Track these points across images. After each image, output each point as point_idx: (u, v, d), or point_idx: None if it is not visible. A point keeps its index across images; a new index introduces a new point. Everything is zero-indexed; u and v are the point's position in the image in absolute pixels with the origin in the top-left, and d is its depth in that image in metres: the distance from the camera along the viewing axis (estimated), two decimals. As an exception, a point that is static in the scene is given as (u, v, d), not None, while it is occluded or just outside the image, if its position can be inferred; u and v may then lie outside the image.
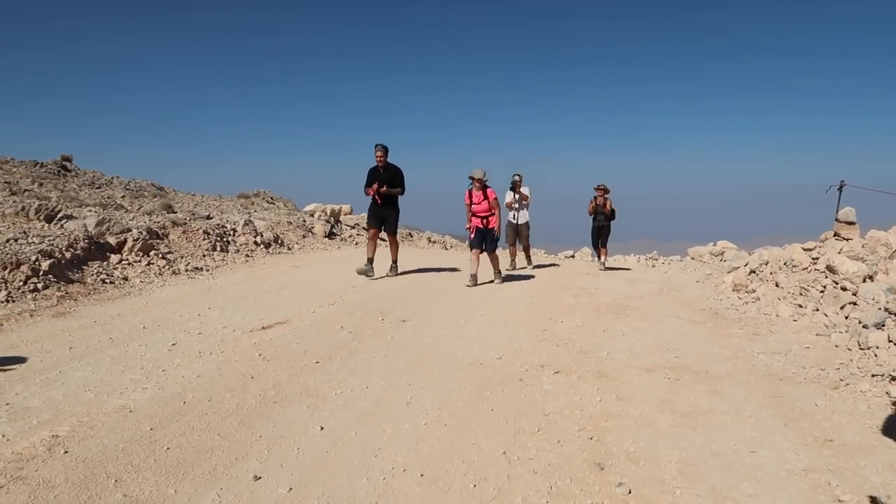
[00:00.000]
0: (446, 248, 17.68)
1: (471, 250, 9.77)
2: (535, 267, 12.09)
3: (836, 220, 8.65)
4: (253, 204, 19.56)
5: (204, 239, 11.28)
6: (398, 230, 10.26)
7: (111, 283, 8.12)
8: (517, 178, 11.68)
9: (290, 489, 3.05)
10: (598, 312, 7.40)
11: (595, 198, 11.86)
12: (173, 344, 5.53)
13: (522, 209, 11.75)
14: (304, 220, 16.28)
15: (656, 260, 14.10)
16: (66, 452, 3.34)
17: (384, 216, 9.75)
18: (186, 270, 9.48)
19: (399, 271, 10.17)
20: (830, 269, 7.09)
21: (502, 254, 10.84)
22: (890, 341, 5.08)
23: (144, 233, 9.87)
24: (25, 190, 12.23)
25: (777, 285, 7.76)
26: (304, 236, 14.80)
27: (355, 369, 4.95)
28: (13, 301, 6.67)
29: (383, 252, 11.13)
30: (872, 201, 10.09)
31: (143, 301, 7.39)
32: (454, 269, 11.00)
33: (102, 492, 2.96)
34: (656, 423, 3.96)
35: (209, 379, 4.60)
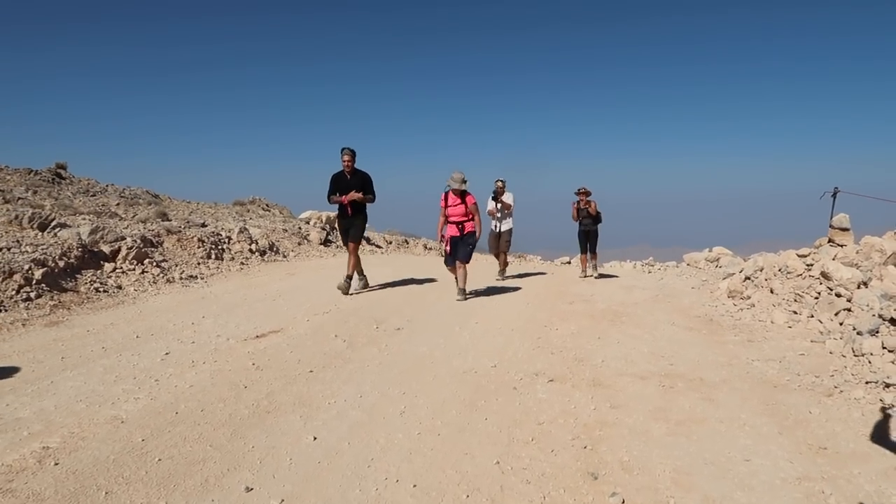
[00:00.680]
0: (442, 255, 17.67)
1: (447, 266, 9.08)
2: (506, 277, 11.48)
3: (831, 226, 8.66)
4: (248, 211, 19.54)
5: (199, 247, 11.26)
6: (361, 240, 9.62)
7: (105, 291, 8.09)
8: (500, 183, 11.14)
9: (282, 501, 3.03)
10: (594, 319, 7.39)
11: (577, 202, 11.36)
12: (166, 353, 5.50)
13: (505, 218, 11.26)
14: (300, 228, 16.28)
15: (652, 266, 14.10)
16: (56, 464, 3.31)
17: (349, 225, 9.07)
18: (181, 279, 9.46)
19: (360, 286, 9.39)
20: (825, 275, 7.10)
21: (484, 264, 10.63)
22: (884, 348, 5.08)
23: (139, 241, 9.85)
24: (19, 198, 12.20)
25: (772, 292, 7.77)
26: (299, 244, 14.79)
27: (349, 378, 4.93)
28: (5, 310, 6.64)
29: (371, 261, 11.12)
30: (867, 207, 10.11)
31: (137, 310, 7.37)
32: (449, 279, 11.00)
33: (92, 504, 2.94)
34: (650, 431, 3.95)
35: (202, 389, 4.58)
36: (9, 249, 8.00)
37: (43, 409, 4.11)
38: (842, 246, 8.28)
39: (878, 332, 5.36)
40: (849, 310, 6.41)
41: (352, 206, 8.83)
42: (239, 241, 12.56)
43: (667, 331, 6.79)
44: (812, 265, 7.68)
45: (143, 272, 9.20)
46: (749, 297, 8.04)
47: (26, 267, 7.43)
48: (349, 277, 8.99)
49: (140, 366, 5.13)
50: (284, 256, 13.28)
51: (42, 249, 8.23)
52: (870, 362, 5.03)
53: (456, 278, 8.95)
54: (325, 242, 15.83)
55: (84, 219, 11.18)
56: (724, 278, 9.73)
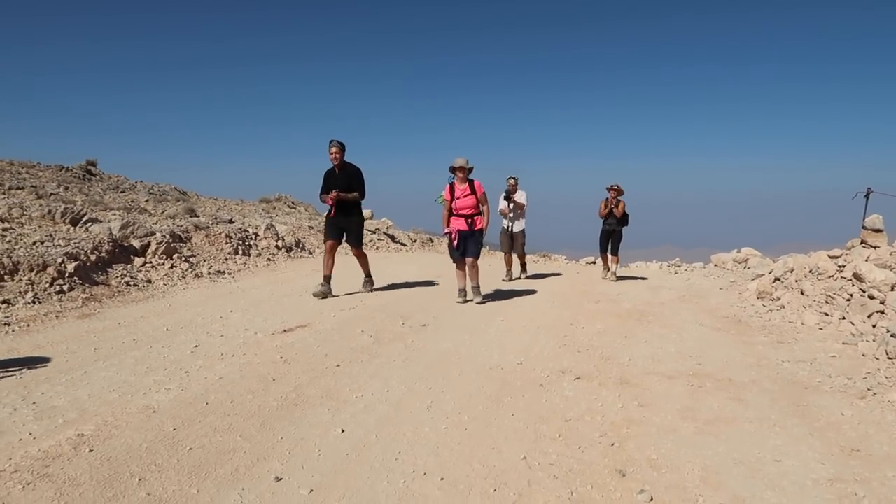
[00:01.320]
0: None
1: (454, 262, 8.35)
2: (528, 277, 11.11)
3: (863, 227, 8.51)
4: (274, 208, 19.73)
5: (226, 243, 11.39)
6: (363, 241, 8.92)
7: (135, 285, 8.23)
8: (512, 181, 10.59)
9: (311, 491, 3.06)
10: (620, 318, 7.35)
11: (607, 199, 10.82)
12: (196, 346, 5.58)
13: (518, 218, 10.75)
14: (325, 225, 16.39)
15: (679, 267, 13.96)
16: (91, 451, 3.38)
17: (344, 226, 8.41)
18: (209, 273, 9.58)
19: (374, 286, 8.95)
20: (857, 276, 6.98)
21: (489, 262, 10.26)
22: (919, 350, 4.99)
23: (168, 236, 9.99)
24: (51, 193, 12.43)
25: (802, 293, 7.65)
26: (325, 240, 14.89)
27: (376, 373, 4.96)
28: (39, 302, 6.78)
29: (396, 258, 11.13)
30: (900, 209, 9.90)
31: (167, 303, 7.48)
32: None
33: (126, 490, 2.99)
34: (679, 430, 3.91)
35: (231, 381, 4.64)
36: (42, 243, 8.16)
37: (77, 397, 4.20)
38: (875, 247, 8.13)
39: (912, 334, 5.26)
40: (882, 312, 6.29)
41: (340, 205, 8.22)
42: (266, 238, 12.68)
43: (694, 331, 6.73)
44: (844, 266, 7.55)
45: (172, 267, 9.34)
46: (779, 299, 7.93)
47: (59, 260, 7.57)
48: (327, 279, 8.34)
49: (170, 358, 5.21)
50: (310, 253, 13.38)
51: (74, 244, 8.39)
52: (904, 365, 4.94)
53: (466, 276, 8.26)
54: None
55: (114, 214, 11.37)
56: (752, 279, 9.61)
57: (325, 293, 8.17)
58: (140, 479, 3.10)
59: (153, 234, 9.86)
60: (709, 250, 15.17)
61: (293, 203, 21.84)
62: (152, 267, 9.14)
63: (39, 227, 9.31)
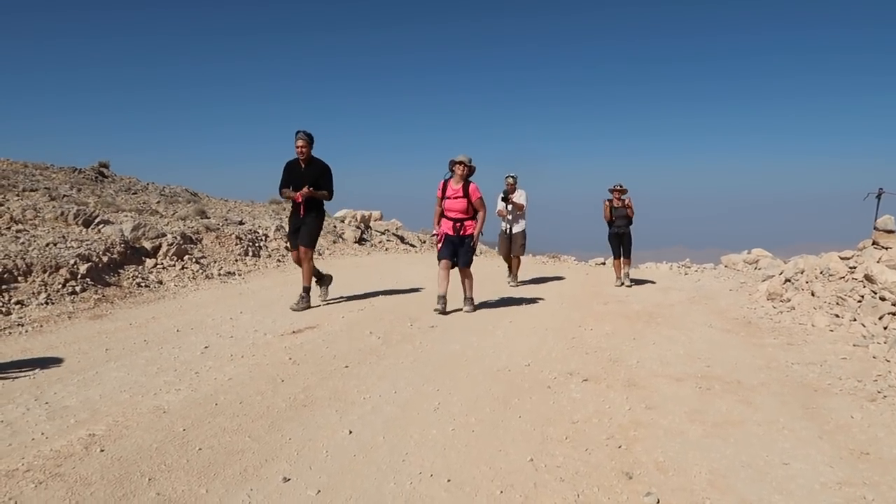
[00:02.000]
0: (475, 255, 17.68)
1: (439, 262, 7.56)
2: (520, 283, 10.36)
3: (875, 228, 8.45)
4: (284, 209, 19.80)
5: (236, 244, 11.46)
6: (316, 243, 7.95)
7: (146, 286, 8.29)
8: (510, 180, 9.99)
9: (319, 491, 3.08)
10: (629, 320, 7.34)
11: (610, 200, 10.32)
12: (206, 347, 5.62)
13: (518, 220, 10.19)
14: (335, 226, 16.44)
15: (688, 267, 13.91)
16: (102, 451, 3.42)
17: (301, 224, 7.55)
18: (219, 275, 9.64)
19: (329, 297, 8.06)
20: (868, 278, 6.93)
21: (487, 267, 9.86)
22: (930, 353, 4.96)
23: (179, 238, 10.07)
24: (64, 195, 12.53)
25: (813, 294, 7.61)
26: (334, 242, 14.95)
27: (384, 374, 4.97)
28: (52, 303, 6.85)
29: (405, 259, 11.15)
30: (912, 209, 9.80)
31: (177, 304, 7.54)
32: (482, 276, 10.98)
33: (137, 490, 3.02)
34: (686, 432, 3.91)
35: (240, 382, 4.67)
36: (55, 244, 8.24)
37: (88, 398, 4.24)
38: (886, 248, 8.06)
39: (923, 336, 5.22)
40: (894, 314, 6.25)
41: (305, 203, 7.39)
42: (275, 239, 12.75)
43: (703, 333, 6.71)
44: (855, 268, 7.51)
45: (182, 268, 9.41)
46: (789, 300, 7.89)
47: (72, 262, 7.65)
48: (306, 290, 7.56)
49: (181, 358, 5.25)
50: (320, 254, 13.43)
51: (87, 245, 8.47)
52: (915, 367, 4.91)
53: (447, 280, 7.51)
54: (360, 241, 15.97)
55: (126, 216, 11.46)
56: (763, 280, 9.56)
57: (306, 307, 7.47)
58: (150, 479, 3.13)
59: (164, 235, 9.93)
60: (719, 251, 15.12)
61: (303, 204, 21.89)
62: (163, 268, 9.22)
63: (52, 228, 9.40)
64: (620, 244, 10.43)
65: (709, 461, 3.50)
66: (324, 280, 8.06)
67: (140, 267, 8.89)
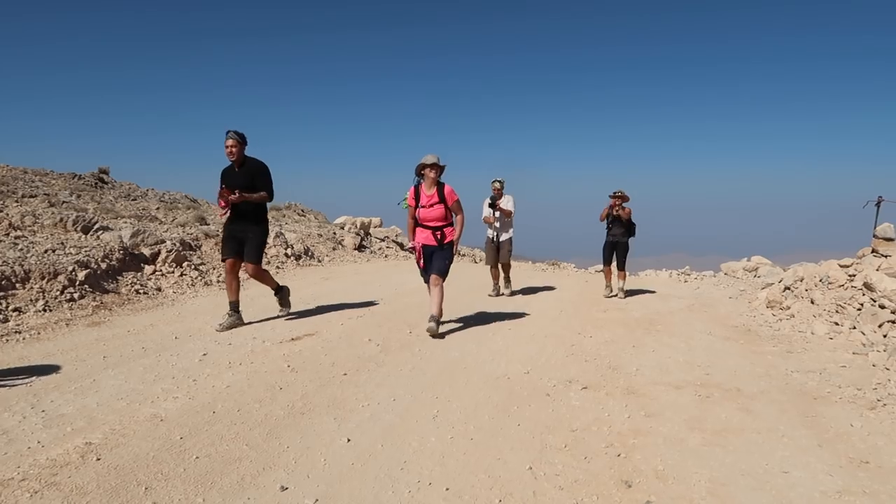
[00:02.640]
0: (475, 262, 17.67)
1: (426, 282, 6.83)
2: (512, 294, 9.96)
3: (874, 236, 8.45)
4: (284, 216, 19.80)
5: (235, 251, 11.43)
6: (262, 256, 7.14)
7: (145, 293, 8.28)
8: (497, 184, 9.46)
9: (317, 500, 3.07)
10: (628, 328, 7.33)
11: (610, 206, 9.77)
12: (204, 354, 5.60)
13: (506, 228, 9.70)
14: (335, 233, 16.44)
15: (688, 275, 13.91)
16: (98, 460, 3.40)
17: (242, 237, 6.78)
18: (218, 282, 9.62)
19: (291, 309, 7.50)
20: (868, 286, 6.93)
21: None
22: (930, 361, 4.94)
23: (178, 244, 10.06)
24: (64, 202, 12.55)
25: (812, 302, 7.61)
26: (334, 248, 14.94)
27: (383, 382, 4.96)
28: (50, 310, 6.83)
29: (405, 266, 11.10)
30: (911, 217, 9.80)
31: (176, 311, 7.52)
32: (483, 282, 10.96)
33: (133, 499, 3.00)
34: (686, 440, 3.90)
35: (238, 389, 4.66)
36: (54, 251, 8.23)
37: (85, 406, 4.22)
38: (886, 256, 8.06)
39: (923, 344, 5.21)
40: (893, 322, 6.25)
41: (240, 210, 6.71)
42: (275, 246, 12.73)
43: (703, 340, 6.70)
44: (854, 276, 7.51)
45: (181, 275, 9.39)
46: (789, 308, 7.89)
47: (70, 268, 7.64)
48: (233, 306, 6.83)
49: (179, 366, 5.23)
50: (319, 261, 13.43)
51: (85, 252, 8.46)
52: (915, 375, 4.90)
53: (431, 300, 6.67)
54: (360, 248, 15.97)
55: (125, 222, 11.46)
56: (762, 288, 9.56)
57: (233, 324, 6.71)
58: (147, 488, 3.11)
59: (163, 242, 9.92)
60: (719, 258, 15.12)
61: (303, 211, 21.94)
62: (162, 275, 9.20)
63: (51, 235, 9.39)
64: (613, 252, 9.94)
65: (708, 469, 3.48)
66: (282, 293, 7.46)
67: (139, 274, 8.87)
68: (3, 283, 6.86)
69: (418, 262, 6.81)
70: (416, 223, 6.71)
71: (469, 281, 10.96)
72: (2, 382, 4.61)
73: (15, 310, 6.60)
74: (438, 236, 6.60)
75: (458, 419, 4.18)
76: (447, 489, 3.22)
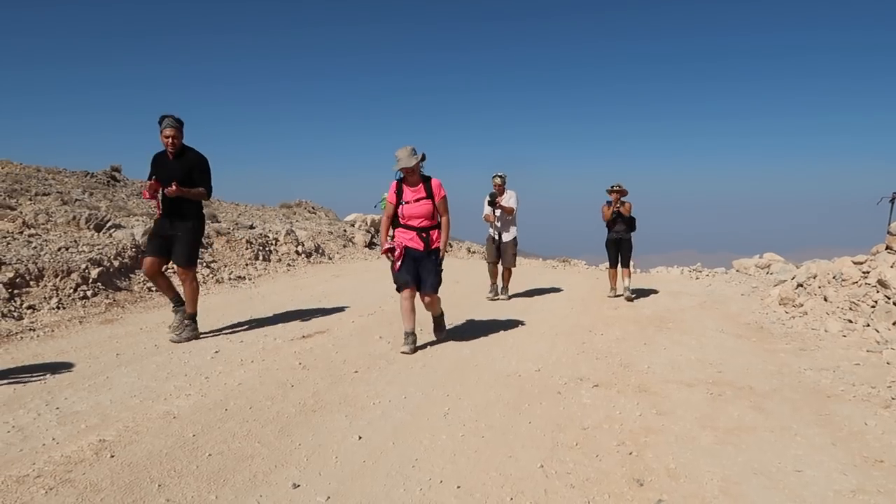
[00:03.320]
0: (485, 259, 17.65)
1: (399, 290, 5.92)
2: (511, 297, 9.25)
3: (889, 232, 8.37)
4: (295, 214, 19.86)
5: (247, 248, 11.50)
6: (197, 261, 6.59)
7: (157, 291, 8.31)
8: (498, 180, 8.78)
9: (328, 498, 3.07)
10: (639, 325, 7.30)
11: (609, 202, 9.31)
12: (216, 352, 5.64)
13: (508, 227, 9.05)
14: (345, 230, 16.48)
15: (700, 272, 13.83)
16: (112, 457, 3.42)
17: (171, 235, 6.03)
18: (229, 279, 9.67)
19: (199, 331, 6.26)
20: (882, 283, 6.86)
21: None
22: (945, 359, 4.90)
23: (189, 242, 10.10)
24: (76, 200, 12.62)
25: (825, 299, 7.55)
26: (344, 246, 14.97)
27: (393, 379, 4.97)
28: (63, 308, 6.89)
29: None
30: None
31: (188, 309, 7.55)
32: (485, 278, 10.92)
33: (146, 496, 3.02)
34: (698, 439, 3.88)
35: (250, 387, 4.68)
36: (67, 249, 8.29)
37: (99, 403, 4.26)
38: (900, 253, 8.00)
39: (938, 342, 5.16)
40: (907, 319, 6.19)
41: (173, 205, 5.96)
42: (286, 243, 12.77)
43: (715, 338, 6.66)
44: (868, 273, 7.44)
45: (193, 272, 9.44)
46: (801, 305, 7.83)
47: (83, 266, 7.69)
48: (192, 318, 6.22)
49: (191, 363, 5.26)
50: (330, 258, 13.46)
51: (98, 249, 8.52)
52: (930, 373, 4.85)
53: (413, 313, 5.94)
54: (370, 245, 15.99)
55: (137, 220, 11.52)
56: (775, 285, 9.50)
57: (193, 336, 6.13)
58: (160, 485, 3.13)
59: (175, 239, 9.97)
60: (731, 255, 15.01)
61: (313, 208, 21.99)
62: (174, 272, 9.24)
63: (64, 233, 9.46)
64: (618, 251, 9.43)
65: (721, 468, 3.47)
66: (185, 313, 6.26)
67: (151, 271, 8.92)
68: (17, 280, 6.92)
69: (394, 266, 5.82)
70: (397, 223, 5.86)
71: (479, 278, 10.95)
72: (17, 380, 4.66)
73: (29, 307, 6.66)
74: (424, 237, 5.75)
75: (469, 417, 4.18)
76: (458, 487, 3.22)
